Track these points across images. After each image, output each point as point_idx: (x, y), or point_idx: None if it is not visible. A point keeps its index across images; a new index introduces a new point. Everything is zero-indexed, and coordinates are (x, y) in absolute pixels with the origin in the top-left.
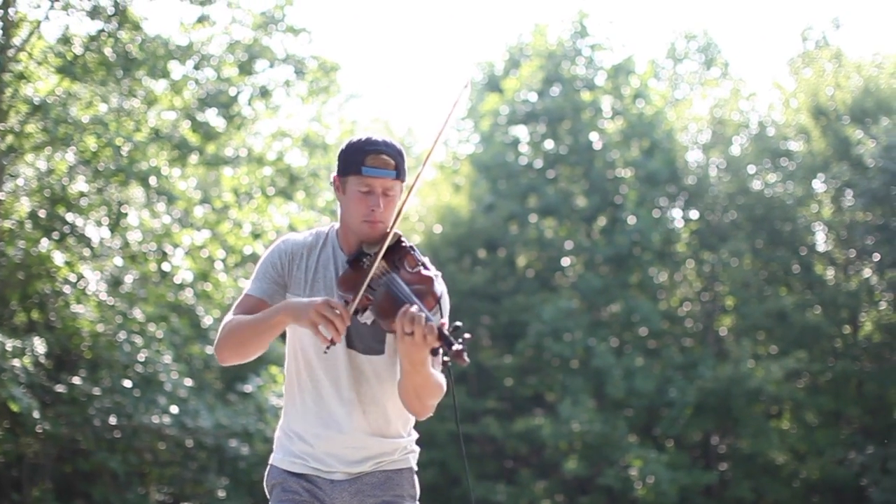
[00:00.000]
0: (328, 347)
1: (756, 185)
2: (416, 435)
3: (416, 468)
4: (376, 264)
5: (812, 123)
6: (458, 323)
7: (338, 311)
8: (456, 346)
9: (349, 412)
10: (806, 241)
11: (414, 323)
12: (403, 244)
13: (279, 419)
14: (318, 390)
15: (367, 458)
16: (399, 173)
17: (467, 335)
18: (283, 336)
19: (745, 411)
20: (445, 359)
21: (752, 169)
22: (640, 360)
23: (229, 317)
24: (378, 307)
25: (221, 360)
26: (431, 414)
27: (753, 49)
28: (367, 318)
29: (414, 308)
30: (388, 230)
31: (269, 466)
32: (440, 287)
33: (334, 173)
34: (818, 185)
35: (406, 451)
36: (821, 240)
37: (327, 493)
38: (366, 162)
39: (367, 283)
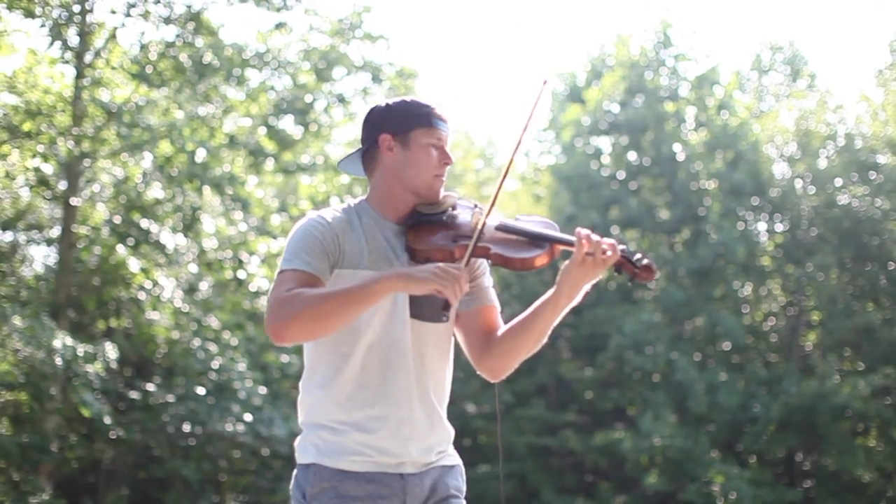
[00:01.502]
0: (446, 311)
1: (843, 198)
2: None
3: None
4: (489, 208)
5: None
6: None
7: (457, 273)
8: (642, 259)
9: (419, 386)
10: (894, 255)
11: (591, 240)
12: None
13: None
14: (379, 368)
15: (436, 443)
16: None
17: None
18: None
19: (831, 428)
20: (632, 271)
21: (838, 182)
22: (723, 374)
23: (285, 292)
24: (506, 246)
25: (284, 337)
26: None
27: (841, 60)
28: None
29: (580, 230)
30: (492, 203)
31: (305, 467)
32: None
33: (382, 134)
34: None
35: (450, 444)
36: None
37: (397, 491)
38: (434, 115)
39: (480, 230)
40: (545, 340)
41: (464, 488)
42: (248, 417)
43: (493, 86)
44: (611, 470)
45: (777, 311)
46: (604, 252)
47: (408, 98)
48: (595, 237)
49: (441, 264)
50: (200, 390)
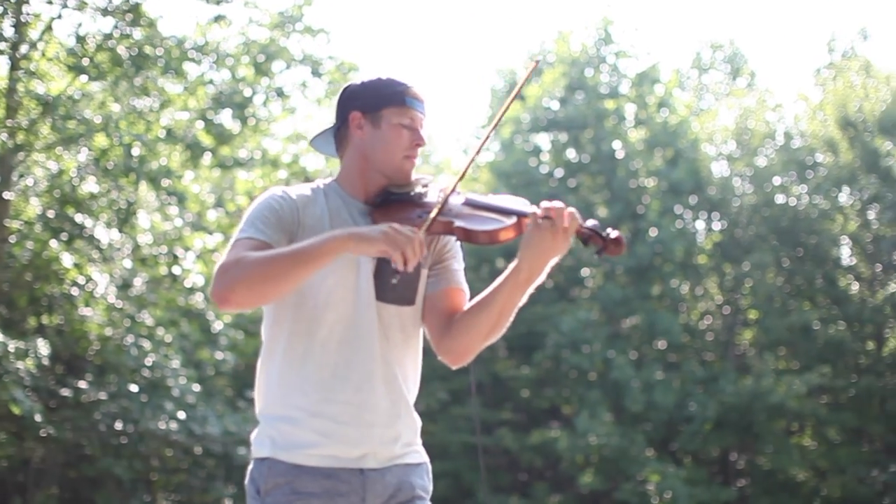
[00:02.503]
0: (396, 275)
1: (781, 197)
2: None
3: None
4: (456, 181)
5: (839, 135)
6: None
7: (411, 234)
8: (611, 232)
9: (385, 370)
10: (831, 254)
11: (553, 206)
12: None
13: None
14: (341, 349)
15: (401, 433)
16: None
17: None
18: None
19: (766, 427)
20: (600, 244)
21: (777, 181)
22: (659, 373)
23: (233, 259)
24: (470, 220)
25: (229, 301)
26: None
27: (780, 59)
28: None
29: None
30: (459, 178)
31: (260, 461)
32: None
33: (352, 111)
34: (844, 197)
35: (418, 438)
36: (846, 254)
37: (356, 488)
38: (408, 94)
39: (444, 200)
40: (507, 322)
41: (430, 488)
42: (181, 415)
43: (434, 81)
44: (546, 469)
45: (714, 309)
46: (564, 218)
47: (384, 76)
48: (557, 204)
49: (395, 224)
50: (133, 388)
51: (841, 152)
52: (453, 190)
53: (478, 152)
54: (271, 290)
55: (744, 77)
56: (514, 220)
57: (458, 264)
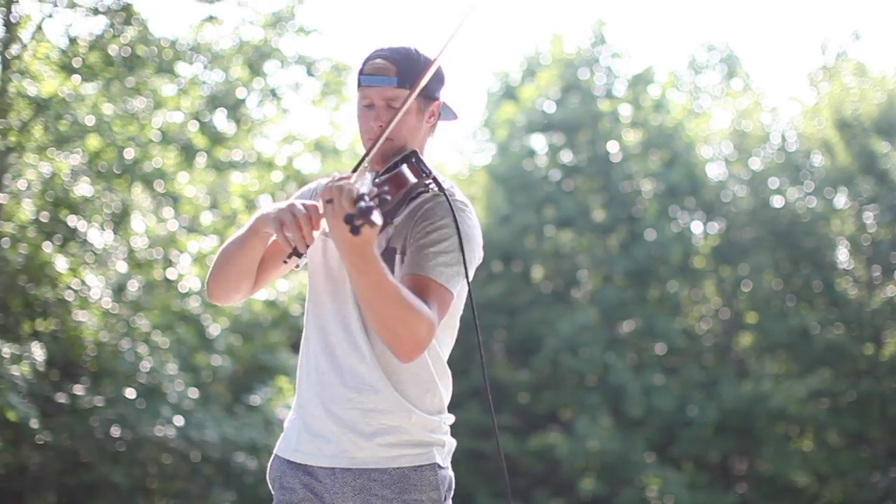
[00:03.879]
0: (288, 257)
1: (778, 199)
2: (448, 417)
3: (443, 465)
4: (358, 170)
5: (836, 137)
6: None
7: (304, 211)
8: (365, 204)
9: (360, 359)
10: (829, 257)
11: (329, 188)
12: (410, 159)
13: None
14: (323, 342)
15: (381, 430)
16: (403, 78)
17: (387, 197)
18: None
19: (766, 431)
20: (356, 224)
21: (774, 183)
22: (658, 377)
23: None
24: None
25: (211, 295)
26: (415, 356)
27: (775, 61)
28: (378, 246)
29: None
30: (378, 139)
31: (272, 456)
32: (409, 177)
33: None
34: (842, 200)
35: (430, 434)
36: (844, 256)
37: (327, 487)
38: (364, 71)
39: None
40: (388, 310)
41: (427, 498)
42: (178, 421)
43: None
44: (546, 474)
45: (712, 313)
46: (335, 198)
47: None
48: (336, 183)
49: (295, 202)
50: (130, 393)
51: (837, 154)
52: (360, 166)
53: (409, 96)
54: (229, 275)
55: (739, 78)
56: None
57: (434, 248)
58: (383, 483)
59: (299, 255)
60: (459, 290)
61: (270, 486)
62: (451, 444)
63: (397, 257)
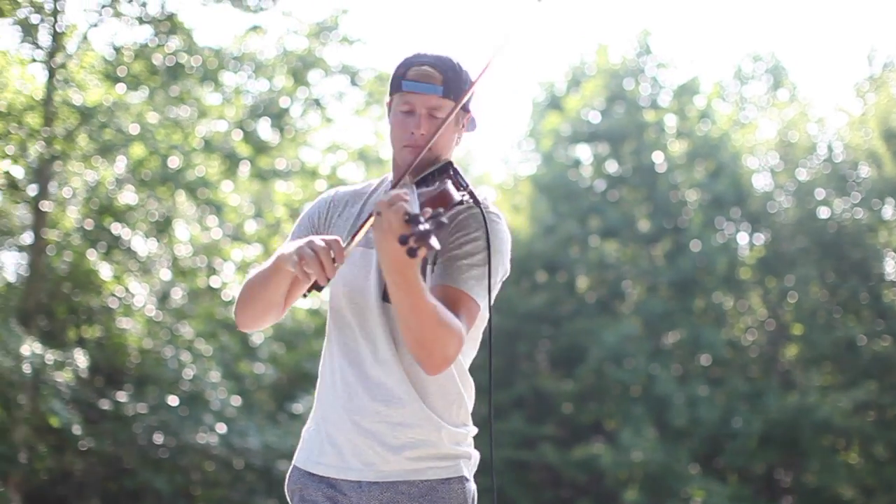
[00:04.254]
0: (309, 292)
1: (824, 210)
2: (472, 429)
3: (469, 479)
4: (397, 185)
5: (883, 147)
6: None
7: (324, 246)
8: (422, 226)
9: (387, 372)
10: (875, 268)
11: (381, 203)
12: (448, 171)
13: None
14: (349, 355)
15: (409, 443)
16: (448, 89)
17: (443, 220)
18: None
19: (812, 444)
20: (413, 246)
21: (820, 194)
22: (703, 388)
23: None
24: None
25: (239, 324)
26: (443, 369)
27: (822, 71)
28: None
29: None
30: (423, 149)
31: (290, 467)
32: (455, 196)
33: (387, 98)
34: (888, 211)
35: (456, 447)
36: (891, 268)
37: (353, 500)
38: (407, 76)
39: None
40: (411, 324)
41: None
42: (221, 428)
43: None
44: (589, 485)
45: (757, 324)
46: (388, 214)
47: (410, 53)
48: (388, 195)
49: (314, 238)
50: (173, 400)
51: (884, 165)
52: (399, 181)
53: (454, 109)
54: (256, 308)
55: (785, 89)
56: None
57: (469, 260)
58: (411, 496)
59: (319, 289)
60: (486, 302)
61: (289, 498)
62: (476, 456)
63: (428, 268)
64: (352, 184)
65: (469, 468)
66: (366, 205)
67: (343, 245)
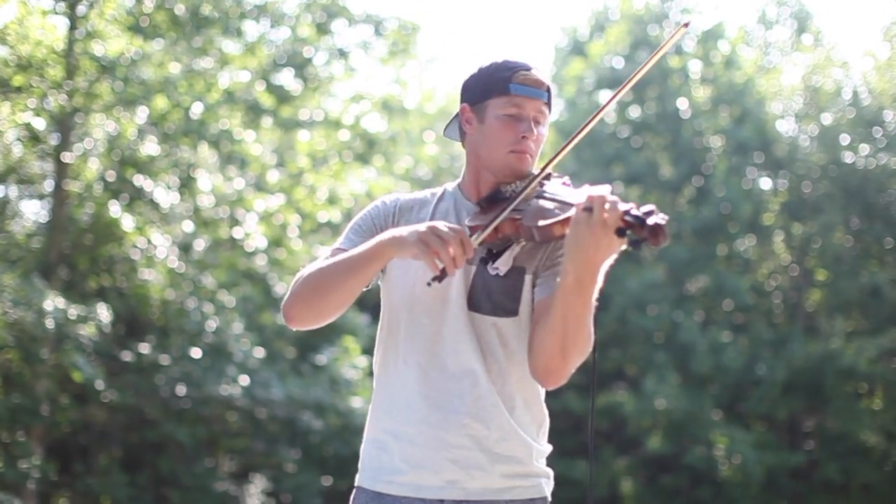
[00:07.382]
0: (434, 280)
1: (849, 156)
2: (549, 447)
3: (549, 499)
4: (531, 185)
5: None
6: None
7: (454, 234)
8: (653, 219)
9: (474, 384)
10: None
11: (594, 195)
12: (549, 178)
13: (353, 394)
14: (426, 364)
15: (497, 458)
16: (549, 98)
17: (662, 216)
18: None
19: (836, 390)
20: (637, 238)
21: (845, 139)
22: (727, 335)
23: (302, 273)
24: (532, 215)
25: (291, 319)
26: (561, 383)
27: (848, 15)
28: (504, 262)
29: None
30: (547, 164)
31: (354, 489)
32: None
33: (462, 104)
34: None
35: (541, 466)
36: None
37: None
38: (515, 79)
39: (514, 205)
40: (579, 335)
41: None
42: (243, 380)
43: (496, 40)
44: (612, 432)
45: (781, 270)
46: (604, 208)
47: (499, 59)
48: (600, 191)
49: (435, 223)
50: (195, 352)
51: None
52: (534, 179)
53: (588, 125)
54: (326, 302)
55: (810, 33)
56: (570, 211)
57: None
58: None
59: (440, 280)
60: None
61: None
62: (551, 475)
63: (527, 278)
64: (404, 192)
65: (548, 489)
66: (435, 211)
67: (470, 237)
